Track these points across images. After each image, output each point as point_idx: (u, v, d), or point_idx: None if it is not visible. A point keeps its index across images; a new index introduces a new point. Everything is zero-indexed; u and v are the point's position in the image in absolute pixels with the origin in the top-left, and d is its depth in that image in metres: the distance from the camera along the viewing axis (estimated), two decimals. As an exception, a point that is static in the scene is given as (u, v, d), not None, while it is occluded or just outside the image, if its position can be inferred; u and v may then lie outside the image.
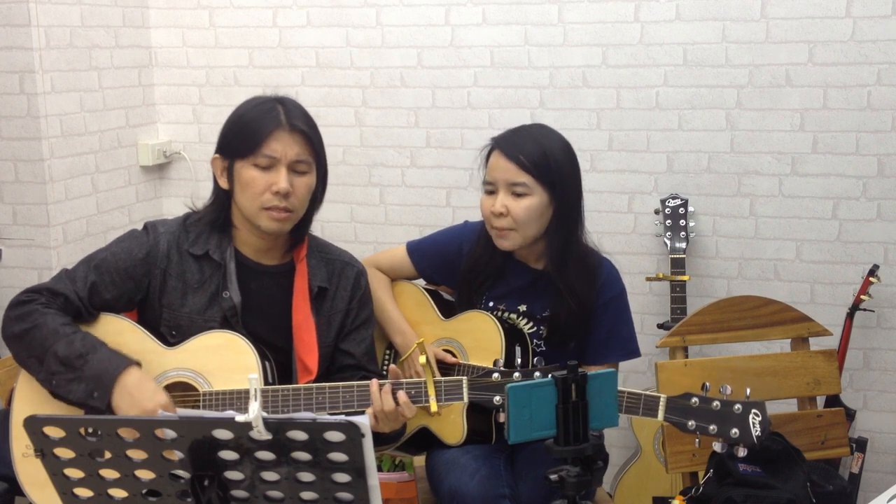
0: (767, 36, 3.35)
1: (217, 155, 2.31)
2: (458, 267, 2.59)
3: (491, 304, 2.55)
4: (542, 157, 2.41)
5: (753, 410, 2.03)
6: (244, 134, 2.24)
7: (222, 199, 2.32)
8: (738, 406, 2.03)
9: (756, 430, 2.02)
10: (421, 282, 2.71)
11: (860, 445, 3.25)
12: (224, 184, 2.30)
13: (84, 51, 3.56)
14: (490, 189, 2.46)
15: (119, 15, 3.73)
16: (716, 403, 2.05)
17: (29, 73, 3.34)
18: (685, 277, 3.32)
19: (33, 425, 1.60)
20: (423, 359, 2.13)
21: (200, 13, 3.87)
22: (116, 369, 2.12)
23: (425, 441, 2.53)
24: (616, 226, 3.59)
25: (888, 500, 1.74)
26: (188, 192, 3.93)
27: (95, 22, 3.61)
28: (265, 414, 1.53)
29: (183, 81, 3.94)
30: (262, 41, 3.83)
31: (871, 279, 3.25)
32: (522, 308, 2.53)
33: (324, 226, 3.82)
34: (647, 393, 2.13)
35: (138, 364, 2.16)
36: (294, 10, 3.79)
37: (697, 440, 2.09)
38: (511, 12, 3.57)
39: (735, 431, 2.03)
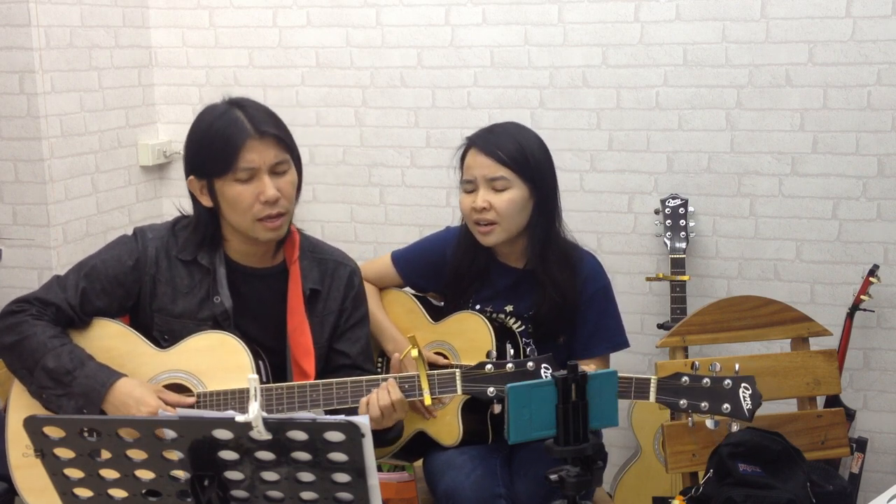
0: (767, 36, 3.35)
1: (191, 176, 2.26)
2: (442, 272, 2.60)
3: (478, 306, 2.57)
4: (519, 152, 2.45)
5: (743, 384, 2.05)
6: (216, 152, 2.18)
7: (206, 218, 2.28)
8: (727, 381, 2.05)
9: (747, 404, 2.05)
10: (410, 289, 2.72)
11: (860, 445, 3.24)
12: (207, 202, 2.25)
13: (84, 51, 3.56)
14: (469, 188, 2.48)
15: (119, 15, 3.73)
16: (706, 381, 2.07)
17: (29, 73, 3.34)
18: (685, 277, 3.32)
19: (33, 425, 1.60)
20: (414, 352, 2.13)
21: (200, 13, 3.87)
22: (103, 385, 2.12)
23: (422, 447, 2.54)
24: (616, 226, 3.59)
25: (888, 500, 1.74)
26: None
27: (95, 22, 3.61)
28: (265, 414, 1.53)
29: (183, 81, 3.94)
30: (262, 41, 3.83)
31: (871, 279, 3.25)
32: (509, 308, 2.55)
33: (324, 226, 3.82)
34: (638, 376, 2.14)
35: (126, 376, 2.15)
36: (294, 10, 3.79)
37: (690, 419, 2.11)
38: (511, 12, 3.57)
39: (727, 406, 2.05)
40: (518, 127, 2.55)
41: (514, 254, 2.55)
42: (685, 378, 2.09)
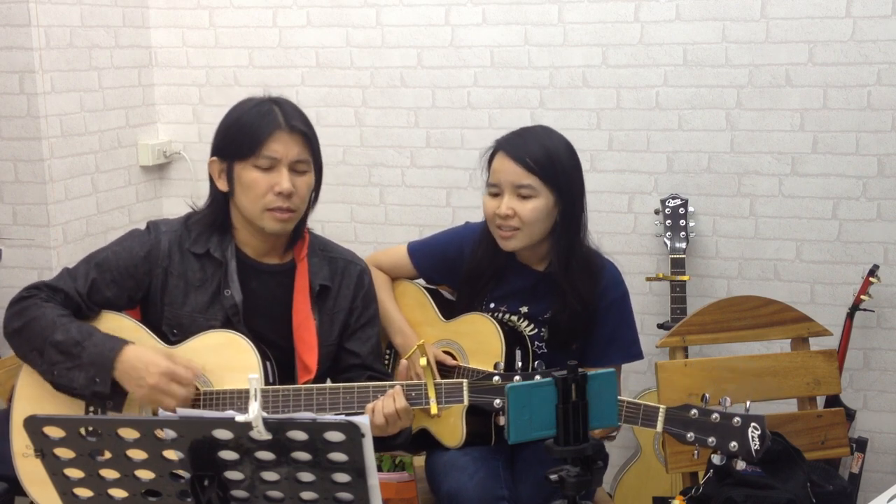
0: (767, 36, 3.35)
1: (214, 157, 2.31)
2: (458, 268, 2.58)
3: (492, 305, 2.55)
4: (548, 159, 2.40)
5: (753, 424, 2.01)
6: (243, 136, 2.24)
7: (220, 202, 2.32)
8: (737, 419, 2.02)
9: (755, 444, 2.01)
10: (421, 281, 2.71)
11: (860, 445, 3.25)
12: (223, 186, 2.29)
13: (84, 51, 3.56)
14: (495, 191, 2.44)
15: (119, 15, 3.73)
16: (715, 416, 2.03)
17: (29, 73, 3.34)
18: (685, 277, 3.32)
19: (33, 425, 1.60)
20: (423, 361, 2.13)
21: (200, 13, 3.87)
22: (112, 351, 2.14)
23: (425, 442, 2.53)
24: (616, 226, 3.59)
25: (888, 501, 1.74)
26: (188, 192, 3.92)
27: (95, 22, 3.61)
28: (265, 414, 1.53)
29: (183, 81, 3.94)
30: (262, 41, 3.83)
31: (871, 279, 3.25)
32: (524, 310, 2.53)
33: (324, 226, 3.82)
34: (647, 403, 2.12)
35: (133, 343, 2.17)
36: (294, 10, 3.79)
37: (696, 451, 2.09)
38: (511, 12, 3.57)
39: (734, 445, 2.02)
40: (548, 132, 2.49)
41: (535, 257, 2.52)
42: (694, 411, 2.06)
